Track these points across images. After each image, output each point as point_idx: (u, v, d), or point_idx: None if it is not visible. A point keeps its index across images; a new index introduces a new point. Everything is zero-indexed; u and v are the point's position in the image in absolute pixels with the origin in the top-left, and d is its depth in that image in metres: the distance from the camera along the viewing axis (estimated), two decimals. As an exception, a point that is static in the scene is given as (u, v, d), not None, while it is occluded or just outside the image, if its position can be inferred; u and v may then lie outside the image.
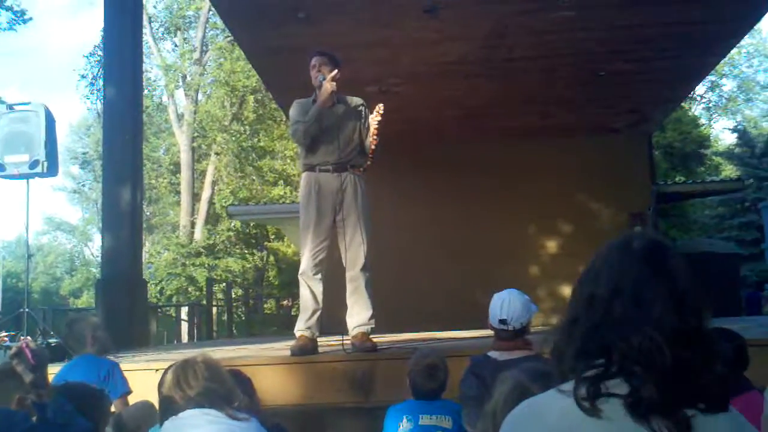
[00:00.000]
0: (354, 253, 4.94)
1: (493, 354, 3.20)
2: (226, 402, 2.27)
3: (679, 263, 1.28)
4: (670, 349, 1.17)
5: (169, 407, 2.26)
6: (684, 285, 1.25)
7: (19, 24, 23.78)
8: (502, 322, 3.17)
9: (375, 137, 4.95)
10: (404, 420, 3.16)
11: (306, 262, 4.95)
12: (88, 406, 2.70)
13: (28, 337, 5.25)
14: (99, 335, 3.89)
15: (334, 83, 4.90)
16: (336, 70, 4.96)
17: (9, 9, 23.37)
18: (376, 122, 4.90)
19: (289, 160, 24.63)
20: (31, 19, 24.03)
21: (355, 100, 5.16)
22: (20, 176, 5.80)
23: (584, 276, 1.32)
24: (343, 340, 4.88)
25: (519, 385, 1.83)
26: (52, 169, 5.89)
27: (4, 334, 8.47)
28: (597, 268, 1.30)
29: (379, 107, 4.90)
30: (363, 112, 5.11)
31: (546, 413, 1.22)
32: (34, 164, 5.72)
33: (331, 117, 5.01)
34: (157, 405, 3.50)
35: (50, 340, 5.50)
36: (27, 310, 5.53)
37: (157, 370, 4.08)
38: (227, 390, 2.30)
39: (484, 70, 9.11)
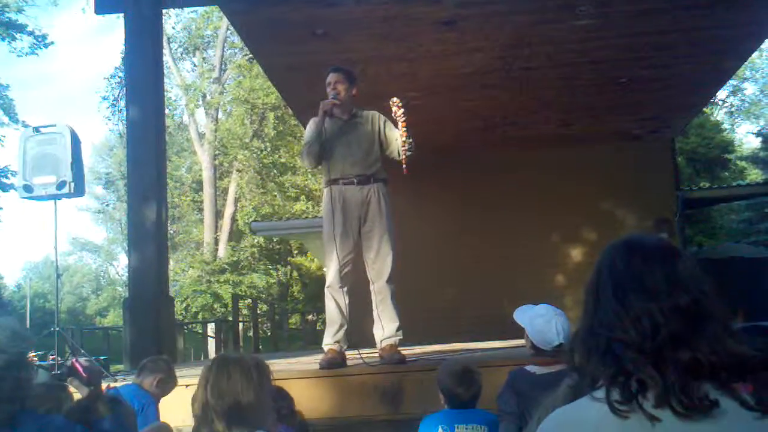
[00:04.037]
0: (380, 265, 4.95)
1: (532, 368, 3.13)
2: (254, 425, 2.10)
3: (664, 246, 1.33)
4: (667, 329, 1.21)
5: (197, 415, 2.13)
6: (681, 275, 1.28)
7: (41, 48, 24.18)
8: (558, 346, 3.06)
9: (404, 131, 4.84)
10: (439, 430, 3.12)
11: (333, 276, 4.94)
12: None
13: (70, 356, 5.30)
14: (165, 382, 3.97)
15: (328, 103, 4.92)
16: (342, 91, 5.00)
17: (31, 34, 23.76)
18: (402, 115, 4.81)
19: (310, 175, 24.74)
20: (52, 43, 24.43)
21: (372, 113, 5.18)
22: (48, 197, 5.85)
23: (587, 287, 1.37)
24: (360, 353, 4.88)
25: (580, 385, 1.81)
26: (78, 190, 5.94)
27: (33, 353, 8.54)
28: (595, 276, 1.36)
29: (394, 100, 4.82)
30: (380, 123, 5.12)
31: (584, 420, 1.21)
32: (61, 185, 5.77)
33: (349, 131, 5.04)
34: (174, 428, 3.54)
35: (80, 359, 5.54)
36: (57, 329, 5.58)
37: (187, 386, 4.11)
38: (260, 410, 2.12)
39: (502, 81, 9.10)
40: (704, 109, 17.43)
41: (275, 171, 25.83)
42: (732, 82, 24.68)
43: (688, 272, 1.29)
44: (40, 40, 24.03)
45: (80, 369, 2.67)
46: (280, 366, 5.70)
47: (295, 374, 4.66)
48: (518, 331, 3.72)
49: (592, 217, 11.67)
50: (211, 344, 18.43)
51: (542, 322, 3.12)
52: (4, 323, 2.12)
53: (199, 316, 22.42)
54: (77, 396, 2.78)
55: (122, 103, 21.47)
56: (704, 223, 20.20)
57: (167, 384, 4.01)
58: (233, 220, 25.37)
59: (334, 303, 4.92)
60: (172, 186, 26.53)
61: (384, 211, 4.97)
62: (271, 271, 25.11)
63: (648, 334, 1.21)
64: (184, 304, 22.65)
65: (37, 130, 5.98)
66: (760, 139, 24.21)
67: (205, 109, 25.70)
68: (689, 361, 1.19)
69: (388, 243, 4.95)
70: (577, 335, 1.35)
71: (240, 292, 21.94)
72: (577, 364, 1.32)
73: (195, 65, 27.28)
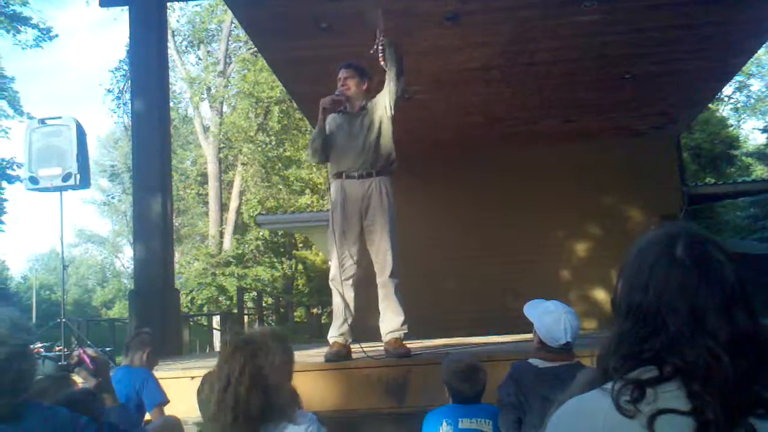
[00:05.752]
0: (382, 259, 4.96)
1: (535, 361, 3.14)
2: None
3: (725, 260, 1.23)
4: (729, 359, 1.13)
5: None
6: (733, 285, 1.20)
7: (45, 41, 24.20)
8: (565, 344, 3.06)
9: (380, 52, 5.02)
10: (444, 424, 3.14)
11: (334, 269, 4.97)
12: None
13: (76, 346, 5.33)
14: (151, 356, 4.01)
15: (327, 99, 4.95)
16: (352, 86, 5.06)
17: (35, 27, 23.77)
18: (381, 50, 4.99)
19: (315, 169, 24.73)
20: (57, 36, 24.46)
21: (374, 100, 5.16)
22: (53, 189, 5.87)
23: (629, 282, 1.27)
24: (362, 347, 4.90)
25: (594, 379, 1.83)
26: (84, 182, 5.96)
27: (39, 345, 8.58)
28: (644, 276, 1.24)
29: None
30: (377, 102, 5.12)
31: (595, 412, 1.20)
32: (66, 177, 5.79)
33: (353, 124, 5.05)
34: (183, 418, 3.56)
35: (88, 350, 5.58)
36: (64, 320, 5.61)
37: (193, 377, 4.13)
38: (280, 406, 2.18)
39: (506, 76, 9.10)
40: (710, 105, 17.37)
41: (280, 164, 25.80)
42: (738, 78, 24.58)
43: (742, 288, 1.20)
44: (44, 32, 24.05)
45: (87, 360, 2.69)
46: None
47: (300, 367, 4.66)
48: (522, 326, 3.73)
49: (597, 213, 11.67)
50: (217, 336, 18.49)
51: (551, 319, 3.10)
52: (5, 314, 2.11)
53: (205, 309, 22.46)
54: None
55: (127, 96, 21.49)
56: (709, 219, 20.13)
57: (155, 356, 4.05)
58: (238, 213, 25.38)
59: (340, 296, 4.94)
60: (177, 179, 26.52)
61: (386, 206, 4.95)
62: (276, 264, 25.08)
63: (709, 373, 1.14)
64: (190, 297, 22.66)
65: (42, 122, 6.00)
66: (765, 135, 24.13)
67: (209, 102, 25.69)
68: (750, 396, 1.13)
69: (389, 238, 4.93)
70: (609, 335, 1.27)
71: (245, 285, 21.94)
72: (599, 357, 1.28)
73: (199, 58, 27.24)
